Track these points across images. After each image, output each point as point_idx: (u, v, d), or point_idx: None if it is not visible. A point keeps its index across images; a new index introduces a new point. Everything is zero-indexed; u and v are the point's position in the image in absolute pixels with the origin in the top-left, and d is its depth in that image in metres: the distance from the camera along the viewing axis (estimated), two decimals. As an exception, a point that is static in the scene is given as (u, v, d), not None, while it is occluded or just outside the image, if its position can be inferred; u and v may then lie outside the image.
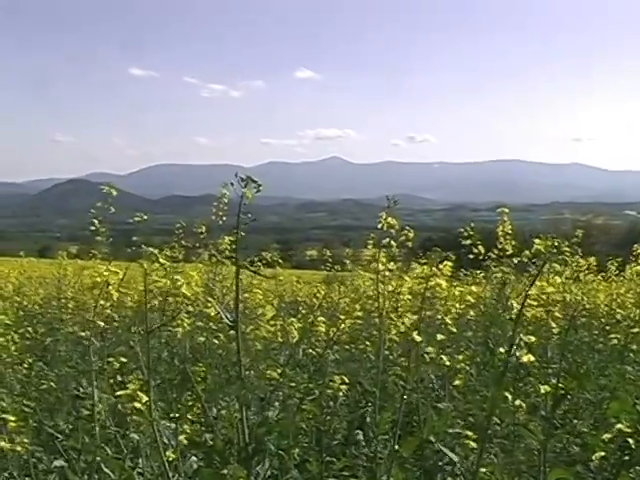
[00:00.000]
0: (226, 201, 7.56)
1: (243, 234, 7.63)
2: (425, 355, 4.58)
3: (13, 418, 4.07)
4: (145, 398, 3.43)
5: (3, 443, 4.00)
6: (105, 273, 3.80)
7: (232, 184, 3.46)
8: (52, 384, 6.74)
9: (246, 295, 8.59)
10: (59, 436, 5.69)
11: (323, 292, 9.54)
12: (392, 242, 4.79)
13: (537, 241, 3.31)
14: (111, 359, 5.39)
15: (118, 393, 3.45)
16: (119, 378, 5.34)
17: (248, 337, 7.19)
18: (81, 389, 6.76)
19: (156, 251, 3.56)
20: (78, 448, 5.38)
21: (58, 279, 11.11)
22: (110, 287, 3.78)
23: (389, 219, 4.75)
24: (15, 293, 11.13)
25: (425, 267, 4.49)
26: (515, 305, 3.38)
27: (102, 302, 3.81)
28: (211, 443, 4.62)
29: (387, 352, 6.90)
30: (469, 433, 4.15)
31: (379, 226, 4.78)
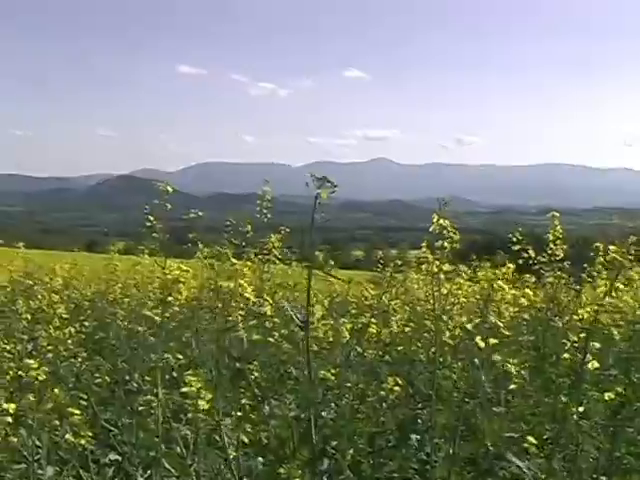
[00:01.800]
0: (269, 198, 7.58)
1: (288, 232, 7.65)
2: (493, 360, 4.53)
3: (78, 412, 4.11)
4: (209, 396, 3.44)
5: (68, 436, 4.03)
6: (176, 271, 3.82)
7: (308, 184, 3.44)
8: (106, 378, 6.78)
9: (296, 294, 8.60)
10: (113, 430, 5.72)
11: (373, 293, 9.50)
12: (446, 244, 4.75)
13: (612, 248, 3.26)
14: (167, 355, 5.41)
15: (183, 390, 3.46)
16: (174, 374, 5.36)
17: (299, 337, 7.19)
18: (134, 384, 6.81)
19: (227, 251, 3.58)
20: (133, 442, 5.42)
21: (110, 273, 11.20)
22: (181, 285, 3.79)
23: (441, 220, 4.70)
24: (65, 287, 11.19)
25: (487, 270, 4.45)
26: (585, 313, 3.33)
27: (171, 298, 3.82)
28: (266, 441, 4.63)
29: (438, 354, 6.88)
30: (530, 439, 4.09)
31: (431, 228, 4.73)
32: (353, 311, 8.81)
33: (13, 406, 4.01)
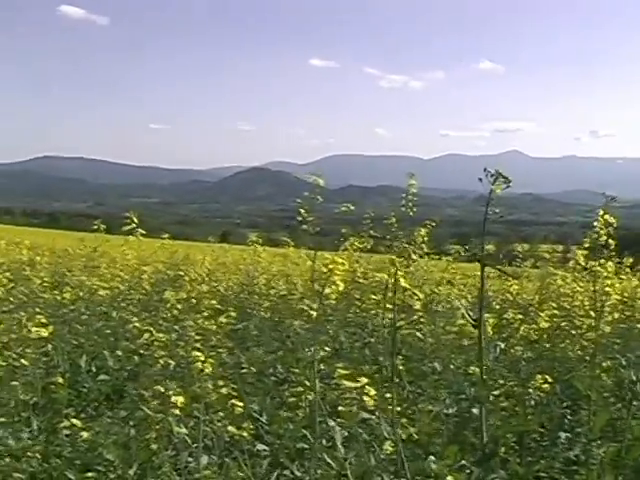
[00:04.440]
0: (414, 191, 7.54)
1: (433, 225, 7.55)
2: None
3: (241, 404, 4.15)
4: (373, 392, 3.42)
5: (230, 427, 4.08)
6: (332, 264, 3.81)
7: (482, 179, 3.39)
8: (252, 368, 6.85)
9: (440, 288, 8.53)
10: (262, 420, 5.76)
11: (516, 288, 9.38)
12: (610, 241, 4.60)
13: None
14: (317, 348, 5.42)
15: (348, 385, 3.44)
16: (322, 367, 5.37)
17: (442, 332, 7.15)
18: (279, 375, 6.87)
19: (411, 248, 3.56)
20: (280, 434, 5.45)
21: (256, 264, 11.40)
22: (336, 278, 3.78)
23: (607, 217, 4.56)
24: (209, 279, 11.38)
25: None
26: None
27: (327, 290, 3.81)
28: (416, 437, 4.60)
29: (580, 352, 6.72)
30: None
31: (595, 224, 4.60)
32: (497, 306, 8.73)
33: (182, 399, 4.07)
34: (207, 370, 4.18)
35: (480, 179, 3.41)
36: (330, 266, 3.77)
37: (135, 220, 8.41)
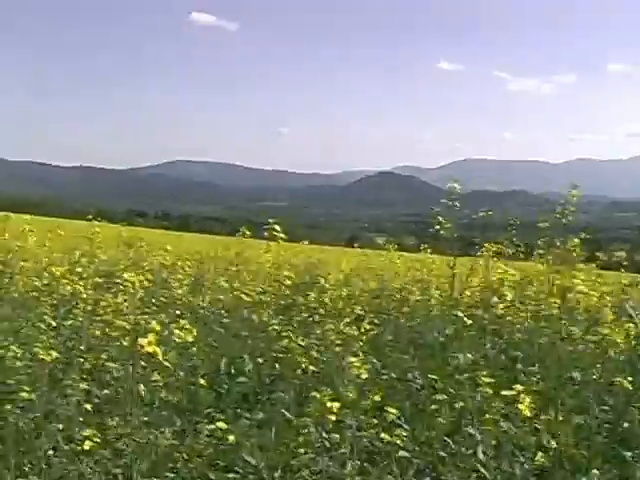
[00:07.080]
0: (575, 200, 7.35)
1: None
2: None
3: (394, 411, 4.16)
4: (528, 400, 3.38)
5: (384, 434, 4.10)
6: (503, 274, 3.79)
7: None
8: (392, 374, 6.84)
9: (579, 296, 8.36)
10: (404, 426, 5.76)
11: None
12: None
13: None
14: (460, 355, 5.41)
15: (503, 393, 3.42)
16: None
17: (578, 340, 7.02)
18: (418, 381, 6.85)
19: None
20: (422, 441, 5.43)
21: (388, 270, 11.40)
22: (505, 288, 3.76)
23: None
24: (341, 283, 11.43)
25: None
26: None
27: (495, 299, 3.80)
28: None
29: None
30: None
31: None
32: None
33: (337, 405, 4.07)
34: (363, 376, 4.19)
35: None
36: (500, 276, 3.76)
37: (277, 228, 8.47)
